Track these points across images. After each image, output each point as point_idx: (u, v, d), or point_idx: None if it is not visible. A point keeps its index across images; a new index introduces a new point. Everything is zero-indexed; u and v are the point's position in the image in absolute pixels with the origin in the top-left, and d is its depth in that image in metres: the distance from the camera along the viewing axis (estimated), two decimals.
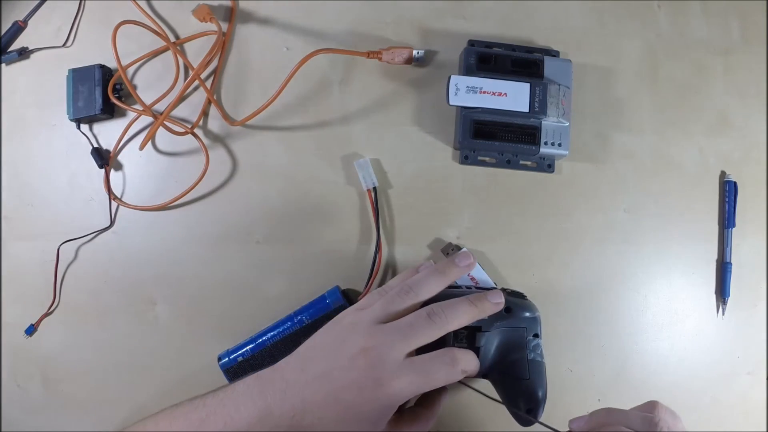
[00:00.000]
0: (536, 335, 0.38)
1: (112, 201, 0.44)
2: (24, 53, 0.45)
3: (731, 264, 0.47)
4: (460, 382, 0.38)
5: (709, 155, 0.48)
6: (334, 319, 0.36)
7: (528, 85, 0.42)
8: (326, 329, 0.36)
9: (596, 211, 0.46)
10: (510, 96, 0.42)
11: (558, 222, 0.46)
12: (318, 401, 0.32)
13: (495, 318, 0.37)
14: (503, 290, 0.39)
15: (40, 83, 0.45)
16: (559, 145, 0.43)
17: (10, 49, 0.45)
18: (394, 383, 0.31)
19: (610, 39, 0.48)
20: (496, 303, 0.36)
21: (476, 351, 0.37)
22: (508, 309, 0.38)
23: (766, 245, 0.48)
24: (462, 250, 0.42)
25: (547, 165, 0.45)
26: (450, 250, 0.44)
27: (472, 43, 0.45)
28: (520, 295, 0.40)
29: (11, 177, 0.45)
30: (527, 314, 0.38)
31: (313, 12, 0.45)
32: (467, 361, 0.35)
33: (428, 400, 0.37)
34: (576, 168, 0.46)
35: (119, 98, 0.43)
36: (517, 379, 0.37)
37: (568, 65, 0.44)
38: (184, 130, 0.43)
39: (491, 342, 0.37)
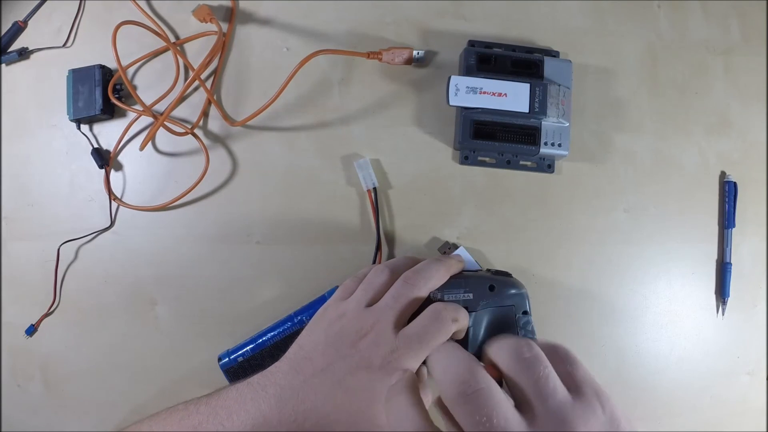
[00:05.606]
0: (525, 312, 0.37)
1: (112, 201, 0.44)
2: (24, 53, 0.45)
3: (731, 264, 0.47)
4: None
5: (709, 155, 0.48)
6: (315, 317, 0.36)
7: (528, 85, 0.42)
8: (311, 329, 0.35)
9: (596, 211, 0.46)
10: (510, 96, 0.42)
11: (558, 222, 0.46)
12: (321, 397, 0.31)
13: (480, 297, 0.37)
14: (488, 270, 0.39)
15: (40, 83, 0.45)
16: (559, 145, 0.43)
17: (10, 49, 0.45)
18: (399, 357, 0.31)
19: (610, 39, 0.48)
20: (459, 260, 0.39)
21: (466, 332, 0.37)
22: (491, 287, 0.37)
23: (766, 245, 0.48)
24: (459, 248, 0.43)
25: (547, 165, 0.45)
26: (447, 248, 0.44)
27: (472, 43, 0.45)
28: (506, 274, 0.40)
29: (11, 177, 0.45)
30: (513, 291, 0.37)
31: (313, 12, 0.45)
32: (452, 309, 0.34)
33: None
34: (576, 168, 0.46)
35: (119, 98, 0.43)
36: None
37: (568, 65, 0.44)
38: (184, 131, 0.43)
39: (480, 322, 0.37)
